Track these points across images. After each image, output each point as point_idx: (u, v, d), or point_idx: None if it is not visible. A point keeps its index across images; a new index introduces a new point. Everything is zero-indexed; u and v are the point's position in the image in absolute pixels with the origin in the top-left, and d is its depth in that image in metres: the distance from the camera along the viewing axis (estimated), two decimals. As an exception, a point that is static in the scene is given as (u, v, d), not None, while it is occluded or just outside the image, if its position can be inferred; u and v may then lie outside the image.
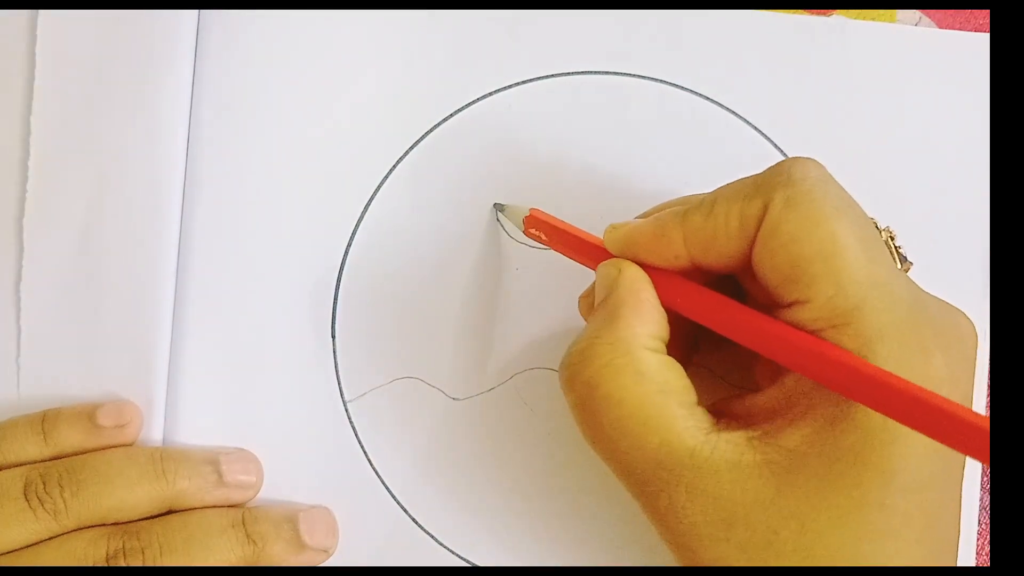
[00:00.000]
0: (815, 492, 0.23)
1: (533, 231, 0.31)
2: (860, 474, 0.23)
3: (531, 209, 0.31)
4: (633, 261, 0.27)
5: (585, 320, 0.29)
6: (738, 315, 0.25)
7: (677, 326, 0.27)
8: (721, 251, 0.26)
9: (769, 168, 0.26)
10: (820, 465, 0.24)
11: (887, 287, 0.24)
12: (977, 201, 0.34)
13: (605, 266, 0.28)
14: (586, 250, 0.29)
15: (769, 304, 0.26)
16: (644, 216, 0.29)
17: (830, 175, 0.26)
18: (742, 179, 0.27)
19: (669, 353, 0.27)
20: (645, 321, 0.26)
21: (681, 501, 0.24)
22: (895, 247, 0.27)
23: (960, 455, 0.24)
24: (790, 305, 0.25)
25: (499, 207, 0.33)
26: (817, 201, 0.24)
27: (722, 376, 0.32)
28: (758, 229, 0.25)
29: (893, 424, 0.23)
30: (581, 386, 0.26)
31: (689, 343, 0.30)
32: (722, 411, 0.26)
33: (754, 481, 0.24)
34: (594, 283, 0.29)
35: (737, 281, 0.28)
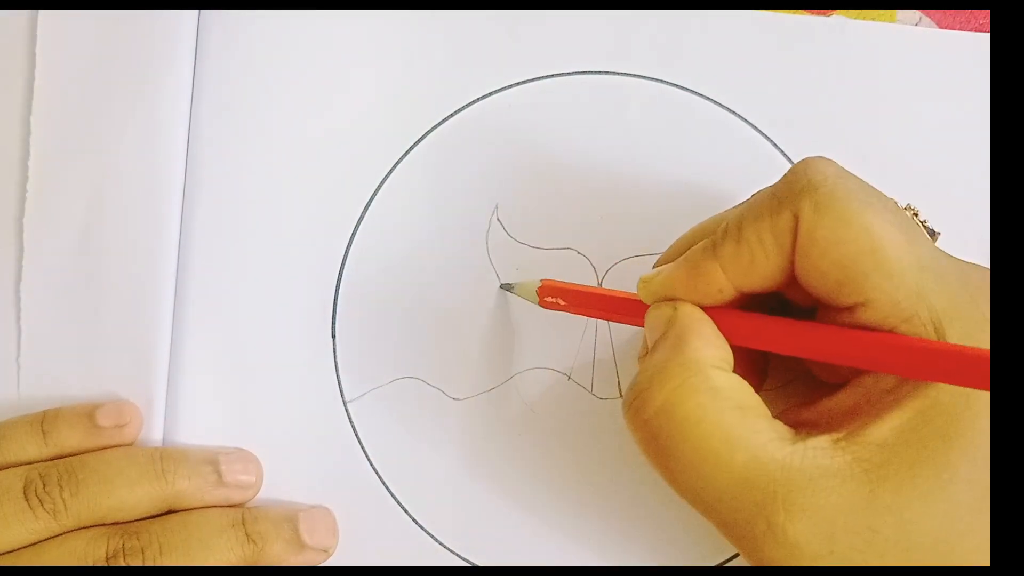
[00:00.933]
0: (907, 481, 0.23)
1: (549, 299, 0.30)
2: (948, 454, 0.23)
3: (542, 280, 0.31)
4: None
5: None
6: (808, 333, 0.25)
7: (740, 359, 0.27)
8: (763, 273, 0.25)
9: (784, 177, 0.26)
10: (910, 453, 0.23)
11: (935, 266, 0.24)
12: (977, 201, 0.34)
13: (659, 307, 0.27)
14: (616, 305, 0.29)
15: (824, 309, 0.26)
16: (663, 259, 0.29)
17: (845, 169, 0.26)
18: (759, 194, 0.26)
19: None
20: (712, 344, 0.26)
21: (780, 521, 0.23)
22: (921, 222, 0.27)
23: None
24: (851, 308, 0.24)
25: (507, 287, 0.33)
26: (843, 199, 0.24)
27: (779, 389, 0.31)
28: (794, 242, 0.25)
29: (975, 402, 0.23)
30: (654, 414, 0.25)
31: (757, 372, 0.29)
32: (797, 420, 0.26)
33: (848, 484, 0.23)
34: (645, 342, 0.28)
35: (780, 296, 0.28)
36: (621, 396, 0.33)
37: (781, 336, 0.26)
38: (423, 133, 0.34)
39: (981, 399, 0.23)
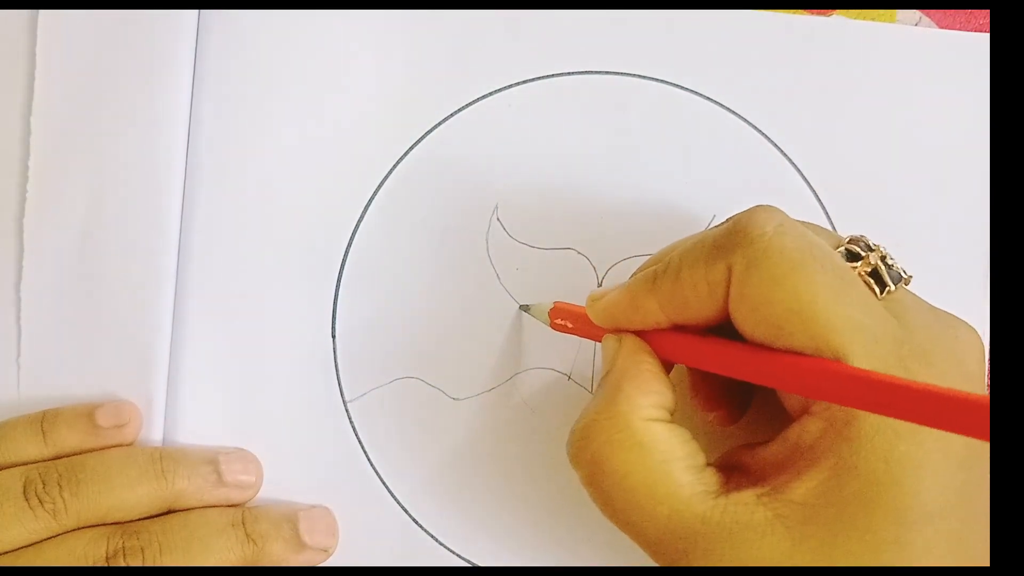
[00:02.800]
0: (829, 542, 0.23)
1: (559, 322, 0.31)
2: (870, 517, 0.23)
3: (555, 302, 0.32)
4: (624, 330, 0.28)
5: None
6: (740, 354, 0.25)
7: (717, 385, 0.28)
8: (697, 314, 0.26)
9: (727, 225, 0.26)
10: (830, 515, 0.24)
11: (865, 328, 0.24)
12: (977, 201, 0.34)
13: (608, 339, 0.28)
14: (597, 331, 0.29)
15: None
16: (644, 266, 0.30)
17: (788, 220, 0.26)
18: (703, 236, 0.27)
19: (718, 411, 0.27)
20: (645, 391, 0.26)
21: (704, 568, 0.24)
22: (888, 265, 0.27)
23: (982, 470, 0.24)
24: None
25: (525, 308, 0.33)
26: (775, 257, 0.24)
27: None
28: (727, 292, 0.25)
29: (896, 464, 0.23)
30: (587, 463, 0.26)
31: (737, 400, 0.30)
32: (736, 463, 0.26)
33: (769, 538, 0.24)
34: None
35: None
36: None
37: (705, 353, 0.26)
38: (423, 133, 0.34)
39: (902, 464, 0.23)
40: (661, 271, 0.27)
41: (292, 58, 0.34)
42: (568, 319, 0.31)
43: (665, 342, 0.27)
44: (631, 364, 0.27)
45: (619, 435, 0.26)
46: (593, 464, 0.26)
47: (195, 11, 0.33)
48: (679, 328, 0.27)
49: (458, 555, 0.33)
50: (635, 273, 0.29)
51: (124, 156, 0.33)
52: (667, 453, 0.25)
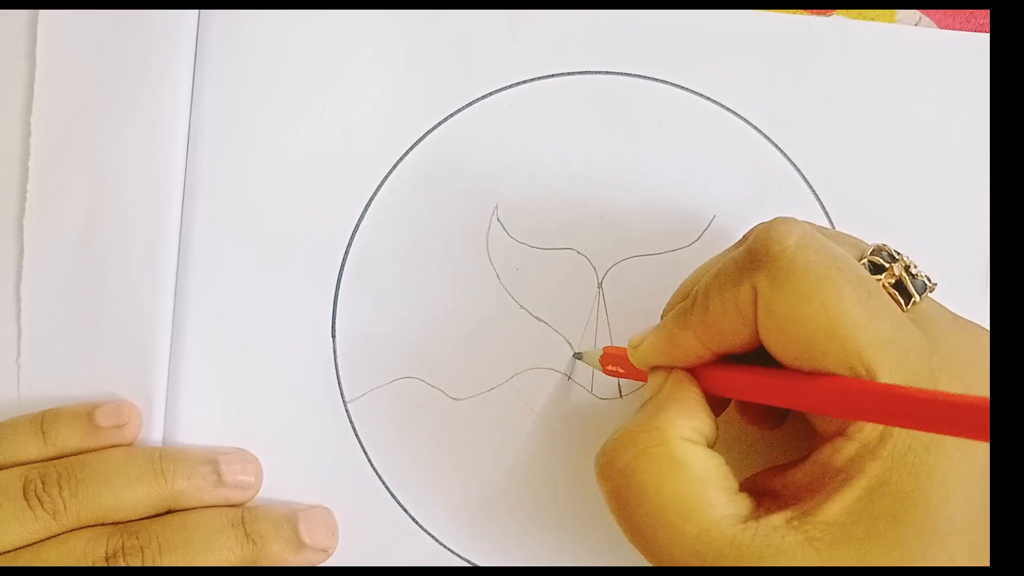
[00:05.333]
0: (857, 560, 0.23)
1: (611, 368, 0.31)
2: (899, 533, 0.23)
3: (604, 348, 0.32)
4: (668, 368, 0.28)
5: None
6: (774, 382, 0.25)
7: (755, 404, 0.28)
8: (733, 340, 0.26)
9: (747, 243, 0.26)
10: (860, 533, 0.23)
11: (894, 342, 0.24)
12: (977, 201, 0.34)
13: (655, 374, 0.28)
14: (642, 373, 0.29)
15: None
16: (667, 307, 0.29)
17: (808, 231, 0.25)
18: (725, 261, 0.26)
19: (762, 424, 0.27)
20: (688, 415, 0.26)
21: None
22: (912, 275, 0.26)
23: None
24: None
25: (578, 356, 0.33)
26: (799, 273, 0.24)
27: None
28: (756, 313, 0.25)
29: (926, 478, 0.23)
30: (616, 475, 0.25)
31: (774, 416, 0.30)
32: (764, 487, 0.26)
33: (799, 562, 0.24)
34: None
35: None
36: (621, 396, 0.33)
37: (750, 386, 0.26)
38: (423, 133, 0.34)
39: (931, 478, 0.23)
40: (690, 304, 0.26)
41: (292, 58, 0.34)
42: (619, 364, 0.31)
43: (705, 376, 0.27)
44: (676, 390, 0.27)
45: (655, 448, 0.25)
46: (623, 476, 0.25)
47: (195, 11, 0.33)
48: (721, 359, 0.27)
49: (458, 555, 0.33)
50: (665, 312, 0.29)
51: (124, 156, 0.33)
52: (702, 472, 0.25)
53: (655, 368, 0.28)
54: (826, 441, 0.25)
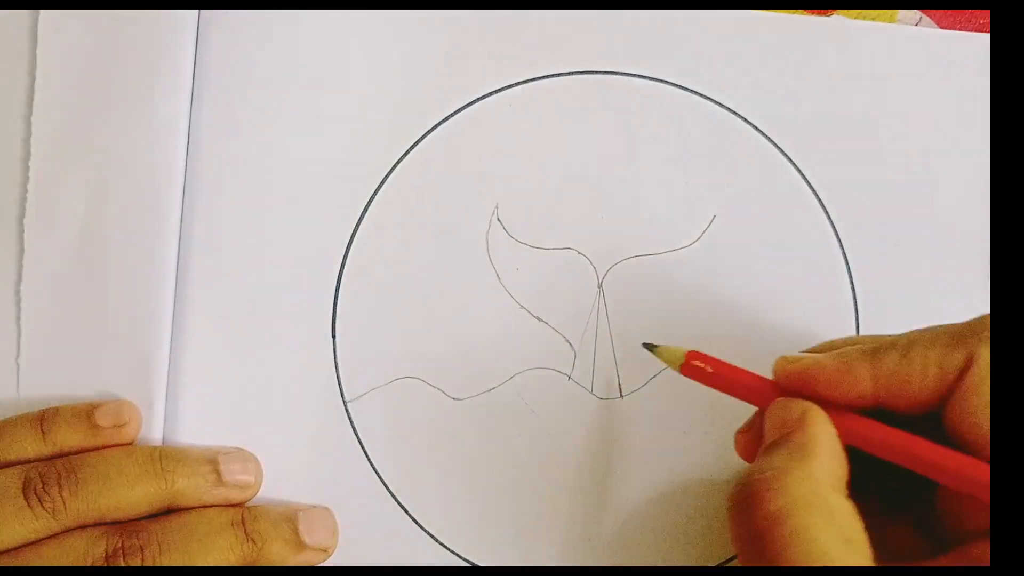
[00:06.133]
0: None
1: (697, 364, 0.29)
2: None
3: (687, 352, 0.29)
4: (809, 396, 0.26)
5: (743, 457, 0.28)
6: (934, 454, 0.24)
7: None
8: (911, 397, 0.25)
9: (967, 321, 0.25)
10: None
11: None
12: (977, 201, 0.34)
13: (788, 404, 0.27)
14: (752, 387, 0.28)
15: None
16: (815, 350, 0.28)
17: None
18: (941, 326, 0.26)
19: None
20: (837, 462, 0.25)
21: None
22: None
23: None
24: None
25: (649, 347, 0.31)
26: None
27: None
28: (957, 382, 0.24)
29: None
30: (763, 518, 0.24)
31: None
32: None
33: None
34: (753, 419, 0.28)
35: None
36: (621, 396, 0.33)
37: (906, 448, 0.25)
38: (423, 133, 0.34)
39: None
40: (887, 345, 0.26)
41: (292, 58, 0.34)
42: (709, 364, 0.29)
43: (845, 423, 0.26)
44: (823, 432, 0.25)
45: (815, 498, 0.24)
46: (772, 520, 0.23)
47: (195, 11, 0.33)
48: (872, 409, 0.26)
49: (458, 555, 0.33)
50: (833, 345, 0.28)
51: (124, 156, 0.33)
52: (852, 534, 0.24)
53: (788, 399, 0.27)
54: (978, 534, 0.24)
